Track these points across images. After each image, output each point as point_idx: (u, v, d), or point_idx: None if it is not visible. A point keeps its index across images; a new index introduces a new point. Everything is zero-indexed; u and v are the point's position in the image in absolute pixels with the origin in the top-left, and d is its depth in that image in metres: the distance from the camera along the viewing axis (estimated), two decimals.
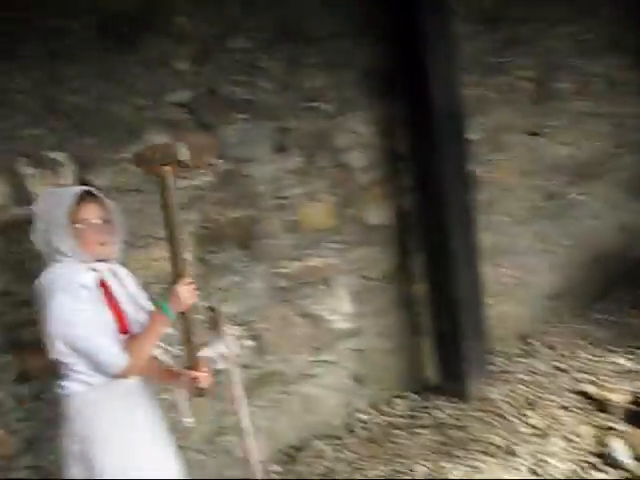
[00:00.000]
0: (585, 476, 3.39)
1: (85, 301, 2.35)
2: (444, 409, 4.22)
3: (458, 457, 3.72)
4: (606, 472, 3.39)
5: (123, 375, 2.42)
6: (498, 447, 3.74)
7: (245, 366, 3.73)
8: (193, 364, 2.59)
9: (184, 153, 2.41)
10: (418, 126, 3.96)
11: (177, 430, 3.36)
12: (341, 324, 4.13)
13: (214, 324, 3.45)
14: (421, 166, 4.05)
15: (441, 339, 4.33)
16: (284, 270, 3.85)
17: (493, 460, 3.64)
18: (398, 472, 3.64)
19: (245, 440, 3.39)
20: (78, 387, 2.45)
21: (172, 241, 2.43)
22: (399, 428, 4.09)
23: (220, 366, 3.25)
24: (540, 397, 4.19)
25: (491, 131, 4.65)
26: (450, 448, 3.81)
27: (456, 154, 3.99)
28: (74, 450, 2.48)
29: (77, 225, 2.40)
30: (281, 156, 3.75)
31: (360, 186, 4.08)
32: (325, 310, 4.06)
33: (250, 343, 3.78)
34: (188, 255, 3.49)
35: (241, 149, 3.61)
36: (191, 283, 2.46)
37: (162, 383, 2.78)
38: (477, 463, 3.63)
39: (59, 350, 2.38)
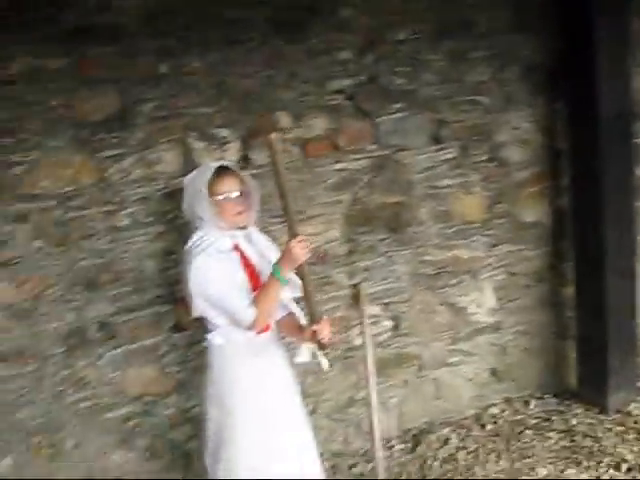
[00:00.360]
0: None
1: (220, 262, 2.69)
2: (579, 417, 4.13)
3: (584, 466, 3.67)
4: None
5: (254, 327, 2.71)
6: (629, 462, 3.64)
7: (382, 345, 3.93)
8: (314, 318, 2.80)
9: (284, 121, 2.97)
10: (581, 125, 3.86)
11: (308, 395, 3.62)
12: (483, 317, 4.18)
13: (356, 300, 3.68)
14: (581, 166, 3.94)
15: (586, 345, 4.21)
16: (430, 257, 3.95)
17: (620, 475, 3.56)
18: (518, 471, 3.67)
19: (371, 415, 3.59)
20: (219, 340, 2.80)
21: (284, 202, 2.68)
22: (529, 428, 4.07)
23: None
24: None
25: None
26: (578, 456, 3.76)
27: (621, 156, 3.85)
28: (211, 394, 2.84)
29: (216, 197, 2.74)
30: (437, 147, 3.84)
31: (516, 182, 4.06)
32: (468, 301, 4.12)
33: (389, 323, 3.94)
34: (337, 233, 3.73)
35: (397, 137, 3.74)
36: (303, 241, 2.66)
37: (292, 338, 3.03)
38: (603, 476, 3.57)
39: (199, 307, 2.73)
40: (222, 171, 2.79)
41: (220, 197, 2.74)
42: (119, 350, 3.42)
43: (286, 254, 2.65)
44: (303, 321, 2.92)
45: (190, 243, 2.76)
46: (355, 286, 3.71)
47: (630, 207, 3.99)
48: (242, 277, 2.75)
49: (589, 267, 4.06)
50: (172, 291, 3.42)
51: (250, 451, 2.78)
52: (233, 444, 2.78)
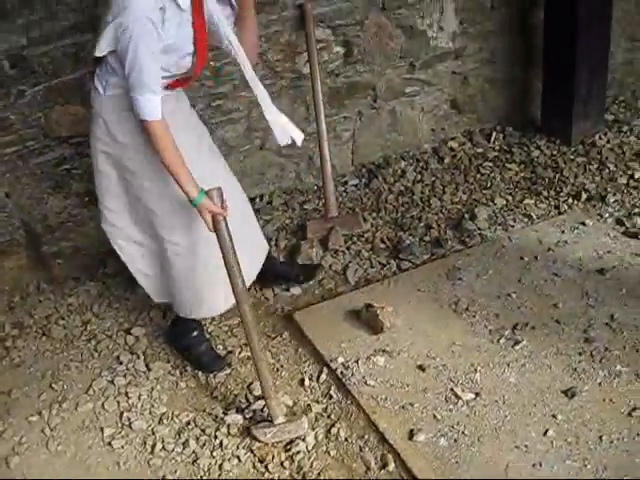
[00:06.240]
0: None
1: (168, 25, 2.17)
2: (542, 149, 3.99)
3: (543, 196, 3.58)
4: None
5: (143, 119, 2.22)
6: (589, 192, 3.55)
7: (332, 74, 3.65)
8: None
9: None
10: None
11: (256, 129, 3.37)
12: (443, 42, 3.86)
13: (301, 23, 3.35)
14: None
15: (552, 72, 3.93)
16: None
17: (580, 205, 3.48)
18: (476, 201, 3.58)
19: (322, 147, 3.40)
20: (116, 90, 2.32)
21: None
22: (489, 160, 3.94)
23: None
24: None
25: None
26: (537, 187, 3.68)
27: None
28: (105, 151, 2.46)
29: None
30: None
31: None
32: (427, 24, 3.77)
33: (340, 50, 3.62)
34: None
35: None
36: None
37: None
38: (562, 205, 3.49)
39: (108, 45, 2.21)
40: None
41: None
42: (40, 87, 3.09)
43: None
44: None
45: None
46: (300, 6, 3.32)
47: None
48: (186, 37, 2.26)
49: None
50: (91, 16, 3.00)
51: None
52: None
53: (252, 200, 3.08)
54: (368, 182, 3.81)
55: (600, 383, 2.42)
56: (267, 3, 3.26)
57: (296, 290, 3.11)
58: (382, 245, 3.34)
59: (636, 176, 3.62)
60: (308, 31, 3.31)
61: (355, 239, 3.39)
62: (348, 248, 3.33)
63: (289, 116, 3.52)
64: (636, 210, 3.35)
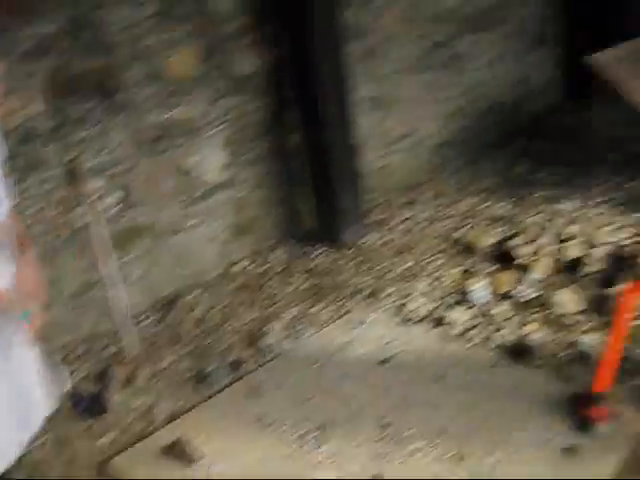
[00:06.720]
0: (443, 313, 3.58)
1: None
2: (320, 257, 4.33)
3: (328, 300, 3.87)
4: (463, 308, 3.61)
5: None
6: (366, 290, 3.91)
7: (112, 220, 3.68)
8: None
9: None
10: None
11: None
12: (215, 176, 4.08)
13: (73, 178, 3.39)
14: (290, 14, 3.89)
15: (316, 188, 4.34)
16: (149, 121, 3.71)
17: (361, 303, 3.81)
18: (268, 317, 3.78)
19: (113, 293, 3.45)
20: None
21: None
22: (276, 274, 4.19)
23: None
24: (415, 244, 4.33)
25: None
26: (322, 293, 3.96)
27: (326, 3, 3.84)
28: None
29: None
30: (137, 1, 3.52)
31: (226, 34, 3.87)
32: (196, 161, 3.97)
33: (115, 197, 3.69)
34: (42, 106, 3.33)
35: None
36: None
37: None
38: (345, 305, 3.80)
39: None
40: None
41: None
42: None
43: None
44: None
45: None
46: (71, 162, 3.42)
47: (341, 53, 4.01)
48: None
49: (309, 113, 4.09)
50: None
51: None
52: None
53: None
54: (164, 316, 3.90)
55: (402, 462, 2.66)
56: (37, 164, 3.33)
57: (107, 438, 3.09)
58: (186, 375, 3.42)
59: (402, 269, 4.06)
60: (82, 184, 3.38)
61: (159, 375, 3.44)
62: (153, 385, 3.37)
63: (75, 268, 3.62)
64: (406, 299, 3.75)
